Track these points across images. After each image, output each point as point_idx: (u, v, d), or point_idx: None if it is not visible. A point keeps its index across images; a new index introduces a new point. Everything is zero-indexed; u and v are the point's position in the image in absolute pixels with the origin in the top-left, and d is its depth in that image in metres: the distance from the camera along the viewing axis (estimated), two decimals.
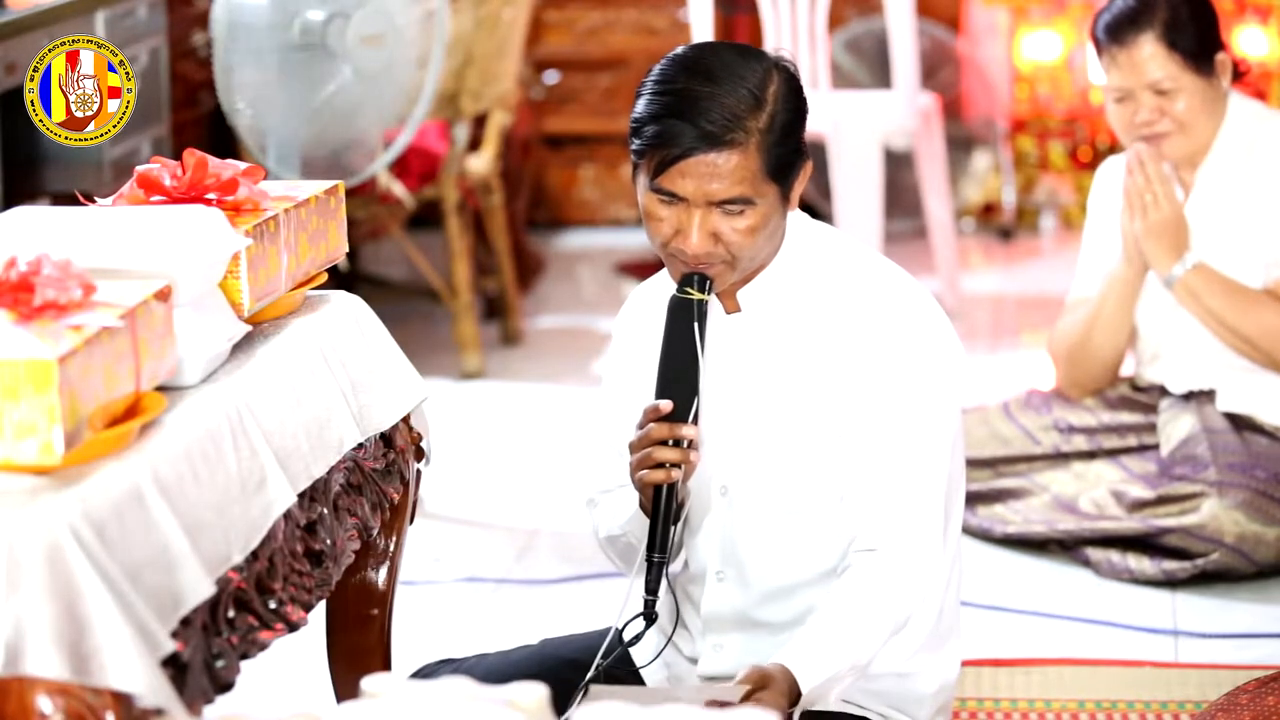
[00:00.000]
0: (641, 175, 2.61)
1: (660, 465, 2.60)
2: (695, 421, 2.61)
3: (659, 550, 2.62)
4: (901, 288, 2.70)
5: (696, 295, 2.62)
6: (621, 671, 2.82)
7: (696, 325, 2.61)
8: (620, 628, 2.68)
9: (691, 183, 2.56)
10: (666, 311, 2.64)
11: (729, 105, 2.55)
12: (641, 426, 2.63)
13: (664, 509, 2.62)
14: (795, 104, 2.61)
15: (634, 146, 2.60)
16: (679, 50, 2.64)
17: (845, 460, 2.66)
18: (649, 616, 2.64)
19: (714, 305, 2.70)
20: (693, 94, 2.56)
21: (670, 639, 2.78)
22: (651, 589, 2.63)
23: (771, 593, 2.71)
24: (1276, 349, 4.01)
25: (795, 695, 2.55)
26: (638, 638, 2.68)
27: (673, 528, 2.64)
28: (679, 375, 2.62)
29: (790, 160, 2.60)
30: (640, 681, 2.83)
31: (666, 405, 2.61)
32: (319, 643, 2.94)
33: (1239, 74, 4.06)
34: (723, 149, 2.55)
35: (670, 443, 2.60)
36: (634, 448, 2.64)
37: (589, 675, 2.68)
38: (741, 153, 2.55)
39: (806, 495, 2.67)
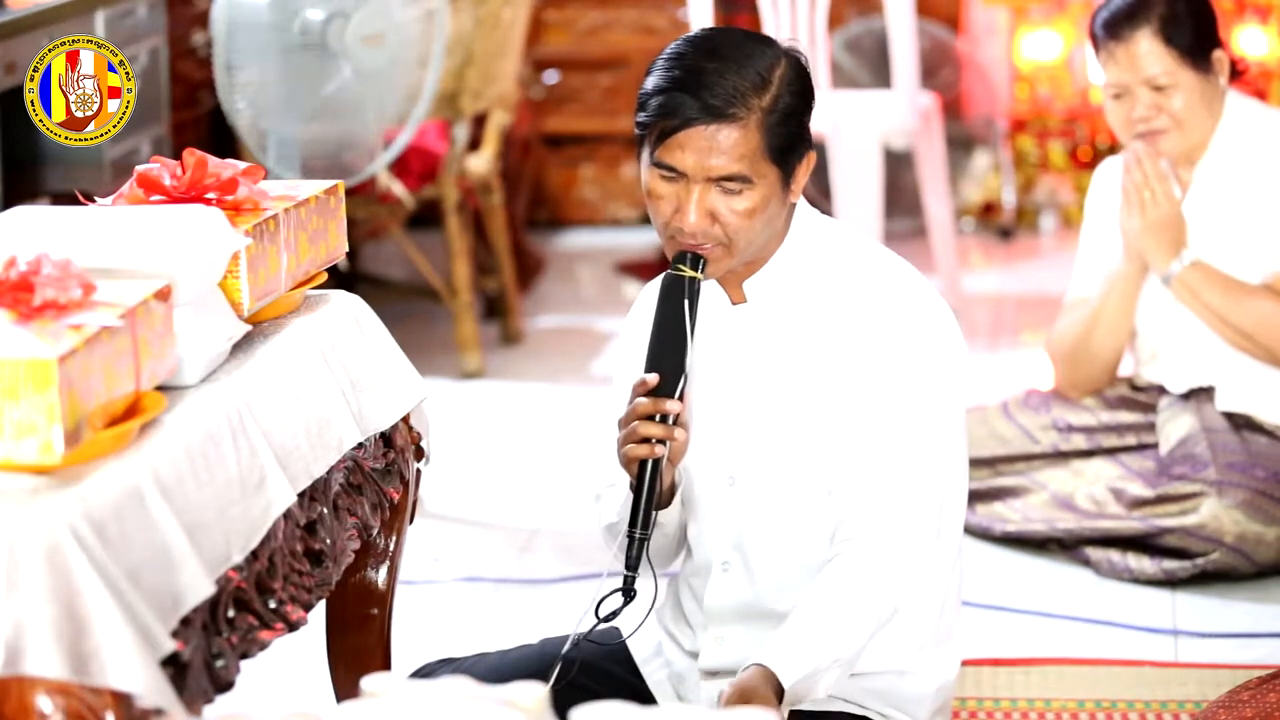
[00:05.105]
0: (645, 151, 2.63)
1: (645, 440, 2.61)
2: (682, 398, 2.62)
3: (641, 527, 2.62)
4: (907, 282, 2.71)
5: (689, 272, 2.62)
6: (622, 672, 2.82)
7: (687, 302, 2.62)
8: (600, 601, 2.67)
9: (691, 156, 2.58)
10: (660, 288, 2.65)
11: (734, 81, 2.58)
12: (631, 402, 2.64)
13: (648, 485, 2.62)
14: (801, 89, 2.63)
15: (639, 119, 2.63)
16: (692, 32, 2.68)
17: (848, 451, 2.66)
18: (627, 592, 2.65)
19: (720, 296, 2.71)
20: (700, 69, 2.59)
21: (652, 607, 2.77)
22: (631, 565, 2.63)
23: (777, 583, 2.71)
24: (1276, 343, 4.02)
25: (780, 693, 2.55)
26: (615, 613, 2.67)
27: (655, 509, 2.64)
28: (668, 351, 2.63)
29: (791, 144, 2.62)
30: (639, 677, 2.83)
31: (653, 379, 2.62)
32: (319, 643, 2.94)
33: (1237, 72, 4.06)
34: (724, 123, 2.57)
35: (657, 419, 2.61)
36: (621, 423, 2.65)
37: (565, 648, 2.68)
38: (742, 128, 2.57)
39: (813, 485, 2.68)
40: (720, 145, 2.57)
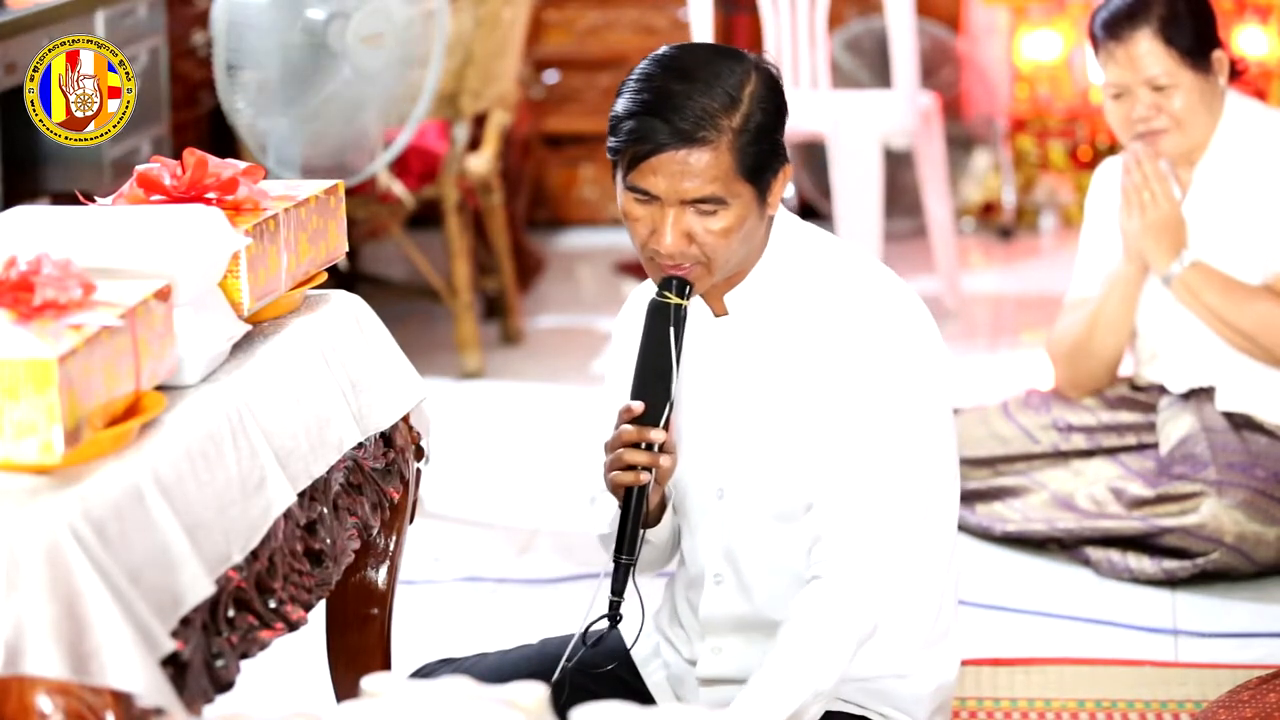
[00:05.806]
0: (619, 174, 2.61)
1: (630, 467, 2.61)
2: (666, 426, 2.61)
3: (626, 552, 2.62)
4: (888, 291, 2.69)
5: (674, 300, 2.61)
6: (621, 672, 2.82)
7: (673, 330, 2.61)
8: (585, 629, 2.67)
9: (664, 180, 2.56)
10: (645, 313, 2.64)
11: (703, 103, 2.55)
12: (616, 427, 2.63)
13: (633, 511, 2.62)
14: (773, 105, 2.60)
15: (610, 144, 2.61)
16: (661, 50, 2.64)
17: (830, 463, 2.65)
18: (613, 618, 2.64)
19: (702, 309, 2.70)
20: (668, 91, 2.56)
21: (644, 618, 2.76)
22: (617, 590, 2.63)
23: (770, 595, 2.70)
24: (1276, 344, 4.02)
25: None
26: (600, 639, 2.67)
27: (641, 531, 2.63)
28: (653, 378, 2.62)
29: (765, 161, 2.59)
30: (638, 678, 2.83)
31: (638, 406, 2.61)
32: (319, 643, 2.94)
33: (1236, 72, 4.06)
34: (694, 146, 2.55)
35: (642, 446, 2.60)
36: (607, 448, 2.64)
37: (555, 676, 2.68)
38: (713, 151, 2.55)
39: (801, 498, 2.66)
40: (692, 169, 2.55)
